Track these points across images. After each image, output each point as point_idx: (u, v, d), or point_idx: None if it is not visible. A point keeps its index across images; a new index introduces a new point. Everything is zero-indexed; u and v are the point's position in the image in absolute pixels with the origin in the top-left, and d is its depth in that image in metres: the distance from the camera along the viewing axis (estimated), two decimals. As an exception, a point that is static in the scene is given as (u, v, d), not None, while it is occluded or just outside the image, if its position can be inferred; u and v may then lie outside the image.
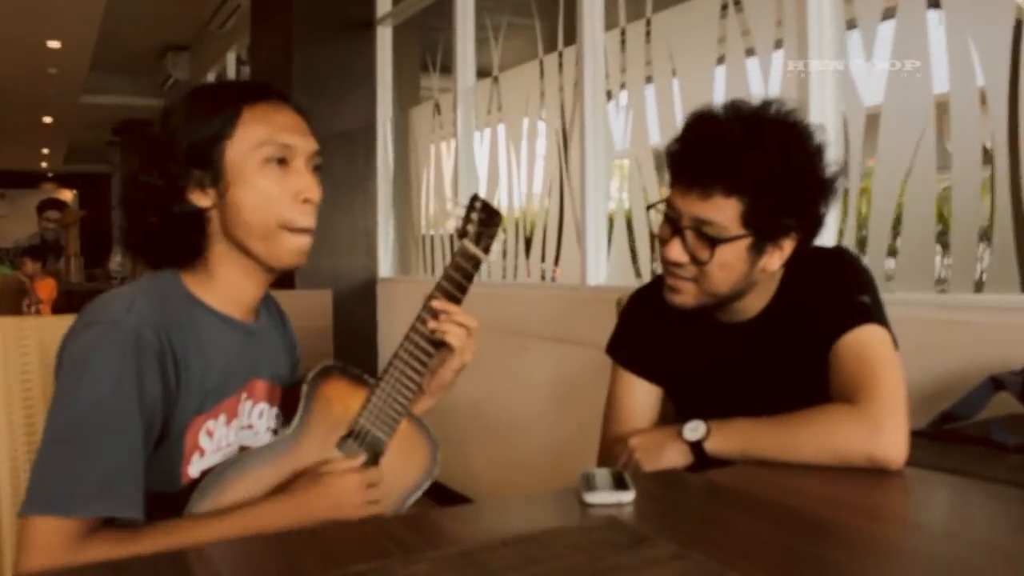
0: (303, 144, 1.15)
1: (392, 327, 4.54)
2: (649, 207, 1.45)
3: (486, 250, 1.31)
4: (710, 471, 1.23)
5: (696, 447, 1.29)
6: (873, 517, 1.07)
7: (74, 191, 16.66)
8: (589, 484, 1.07)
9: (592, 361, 2.99)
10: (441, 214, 4.30)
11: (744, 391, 1.41)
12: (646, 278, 3.01)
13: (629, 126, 3.03)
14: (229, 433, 1.15)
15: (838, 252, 1.45)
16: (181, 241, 1.13)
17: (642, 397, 1.50)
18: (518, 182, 3.75)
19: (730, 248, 1.30)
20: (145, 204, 1.13)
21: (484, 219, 1.31)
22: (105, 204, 15.92)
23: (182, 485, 1.10)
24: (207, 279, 1.16)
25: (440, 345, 1.25)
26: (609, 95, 3.08)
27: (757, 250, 1.32)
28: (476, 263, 1.30)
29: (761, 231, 1.31)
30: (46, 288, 6.89)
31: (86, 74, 8.64)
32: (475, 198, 1.32)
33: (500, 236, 1.33)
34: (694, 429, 1.29)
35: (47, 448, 1.01)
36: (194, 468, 1.11)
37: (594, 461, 2.82)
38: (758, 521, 1.01)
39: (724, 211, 1.29)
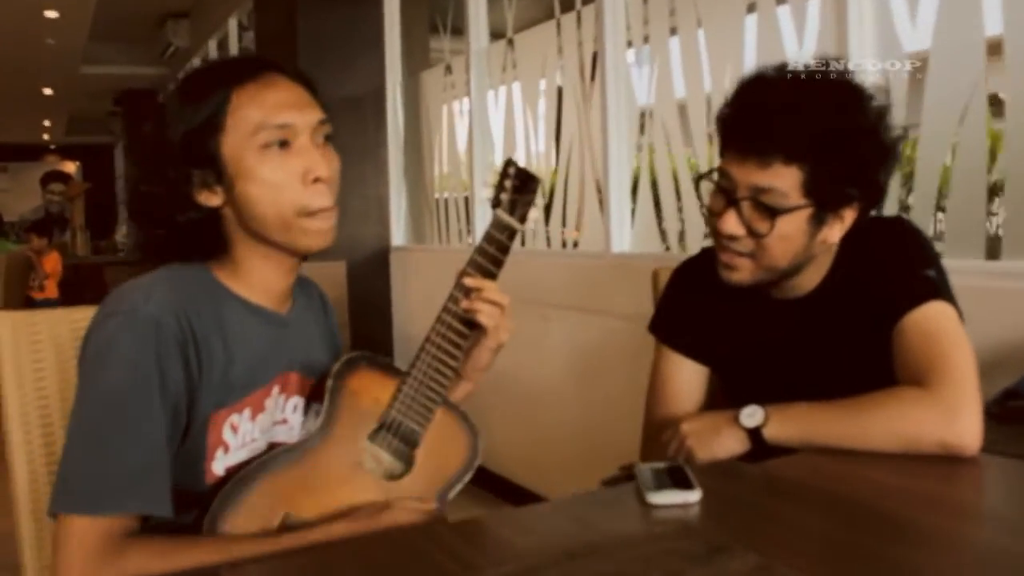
0: (303, 119, 1.06)
1: (406, 296, 4.47)
2: (699, 178, 1.36)
3: (522, 219, 1.22)
4: (769, 461, 1.16)
5: (754, 434, 1.21)
6: (952, 512, 1.01)
7: (77, 163, 16.58)
8: (649, 481, 1.00)
9: (616, 332, 2.93)
10: (455, 175, 4.21)
11: (798, 371, 1.34)
12: (673, 245, 2.92)
13: (653, 82, 2.90)
14: (254, 428, 1.09)
15: (897, 221, 1.37)
16: (199, 244, 1.08)
17: (689, 378, 1.43)
18: (535, 144, 3.64)
19: (790, 219, 1.23)
20: (151, 215, 1.07)
21: (519, 186, 1.22)
22: (109, 175, 15.84)
23: (207, 483, 1.04)
24: (234, 269, 1.10)
25: (474, 325, 1.18)
26: (630, 43, 2.94)
27: (818, 221, 1.25)
28: (511, 234, 1.21)
29: (823, 200, 1.23)
30: (52, 262, 6.84)
31: (85, 44, 8.51)
32: (509, 163, 1.24)
33: (538, 203, 1.24)
34: (751, 415, 1.22)
35: (71, 445, 0.97)
36: (218, 465, 1.05)
37: (621, 435, 2.77)
38: (832, 521, 0.94)
39: (784, 179, 1.21)
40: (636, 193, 3.00)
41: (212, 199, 1.06)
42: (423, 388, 1.14)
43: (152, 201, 1.06)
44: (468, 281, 1.17)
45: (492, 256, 1.19)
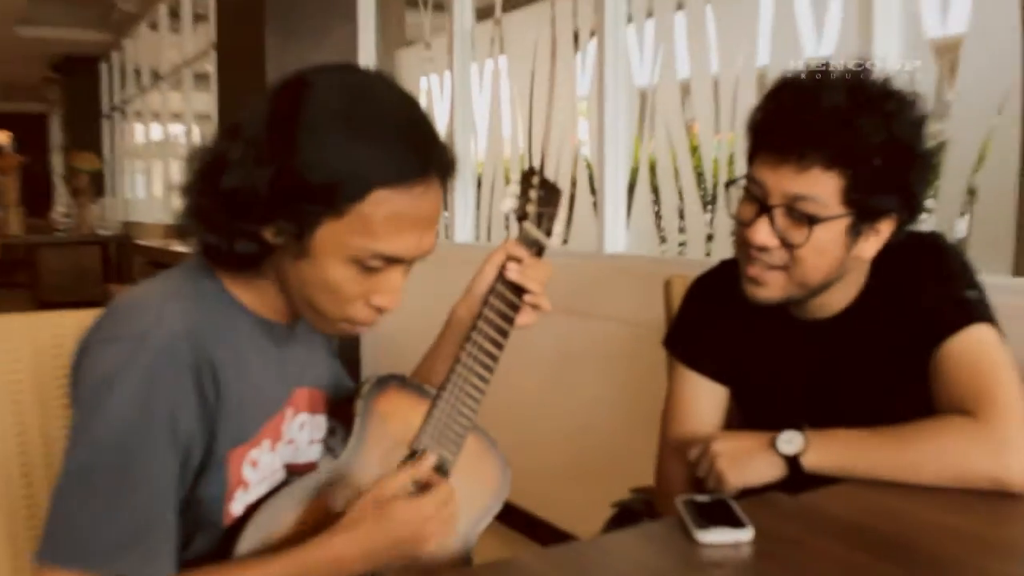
0: (417, 252, 0.98)
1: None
2: (728, 184, 1.35)
3: (548, 233, 1.24)
4: (808, 493, 1.15)
5: (791, 461, 1.21)
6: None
7: (8, 133, 16.19)
8: (696, 518, 0.99)
9: (608, 336, 2.92)
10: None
11: (823, 396, 1.34)
12: (672, 245, 2.91)
13: (659, 59, 2.86)
14: (275, 459, 1.05)
15: (934, 238, 1.37)
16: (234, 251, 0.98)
17: (707, 399, 1.42)
18: (523, 131, 3.61)
19: (828, 228, 1.22)
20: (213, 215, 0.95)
21: (544, 197, 1.23)
22: (43, 147, 15.50)
23: (224, 524, 1.00)
24: (248, 282, 1.03)
25: (503, 347, 1.17)
26: (630, 19, 2.89)
27: (855, 232, 1.24)
28: (540, 249, 1.21)
29: (862, 210, 1.23)
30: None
31: (24, 3, 8.31)
32: (531, 173, 1.24)
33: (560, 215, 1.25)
34: (790, 440, 1.21)
35: (66, 488, 0.91)
36: (237, 505, 1.01)
37: (613, 444, 2.77)
38: (887, 565, 0.94)
39: (824, 186, 1.20)
40: (632, 188, 2.97)
41: (273, 238, 0.96)
42: (454, 413, 1.12)
43: (235, 191, 0.93)
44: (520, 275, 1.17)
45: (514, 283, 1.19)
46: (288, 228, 0.94)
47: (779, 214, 1.23)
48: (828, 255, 1.24)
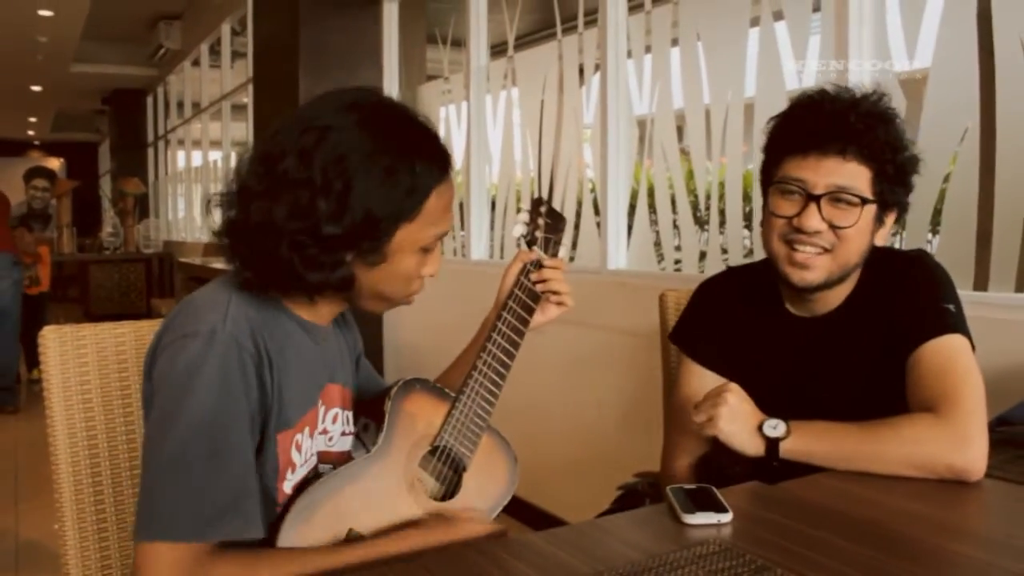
0: (452, 223, 1.13)
1: (401, 320, 4.45)
2: (768, 185, 1.40)
3: (554, 257, 1.28)
4: (785, 483, 1.20)
5: (771, 444, 1.25)
6: (967, 537, 1.06)
7: (61, 159, 16.40)
8: (683, 502, 1.04)
9: (610, 344, 2.97)
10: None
11: (808, 387, 1.39)
12: (669, 263, 2.96)
13: (656, 92, 2.92)
14: (313, 444, 1.12)
15: (920, 255, 1.43)
16: (316, 287, 1.06)
17: (709, 388, 1.46)
18: (534, 157, 3.67)
19: (866, 212, 1.31)
20: (302, 251, 1.02)
21: (550, 224, 1.29)
22: (93, 173, 15.68)
23: (278, 503, 1.07)
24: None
25: (514, 357, 1.22)
26: (629, 53, 2.97)
27: (878, 220, 1.35)
28: None
29: (883, 199, 1.33)
30: (46, 257, 6.73)
31: (77, 43, 8.45)
32: (539, 202, 1.30)
33: (565, 242, 1.31)
34: (775, 427, 1.25)
35: (158, 471, 0.96)
36: (288, 484, 1.08)
37: (614, 440, 2.81)
38: (858, 543, 0.98)
39: (860, 177, 1.31)
40: (633, 210, 3.02)
41: (358, 268, 1.06)
42: (471, 415, 1.18)
43: (307, 237, 1.01)
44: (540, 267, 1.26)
45: (530, 291, 1.26)
46: (367, 247, 1.04)
47: (825, 202, 1.31)
48: (864, 237, 1.34)
